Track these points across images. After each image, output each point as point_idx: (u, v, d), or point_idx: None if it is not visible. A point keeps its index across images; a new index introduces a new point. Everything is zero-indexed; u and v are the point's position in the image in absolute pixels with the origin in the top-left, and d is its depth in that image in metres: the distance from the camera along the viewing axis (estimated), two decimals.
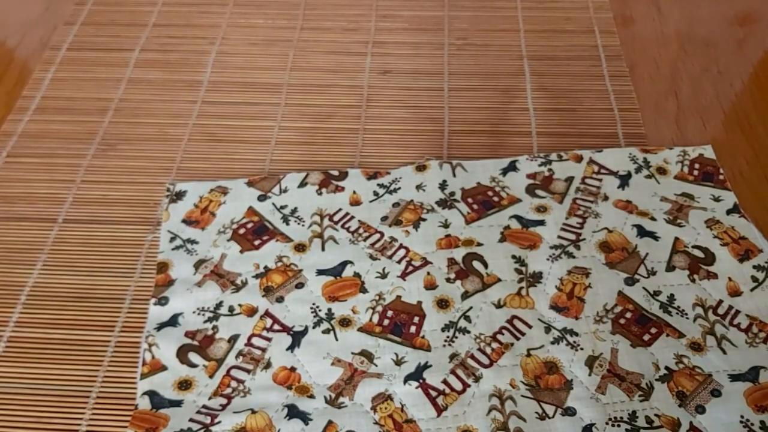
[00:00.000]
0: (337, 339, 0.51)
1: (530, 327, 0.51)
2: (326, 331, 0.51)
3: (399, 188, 0.60)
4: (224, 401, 0.48)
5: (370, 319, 0.52)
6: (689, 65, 0.72)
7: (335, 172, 0.62)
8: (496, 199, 0.59)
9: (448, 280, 0.54)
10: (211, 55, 0.73)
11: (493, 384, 0.48)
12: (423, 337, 0.51)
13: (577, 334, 0.51)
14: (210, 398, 0.48)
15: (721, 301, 0.53)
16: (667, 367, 0.49)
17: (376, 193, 0.60)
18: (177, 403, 0.48)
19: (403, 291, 0.54)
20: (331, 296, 0.53)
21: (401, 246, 0.56)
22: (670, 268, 0.55)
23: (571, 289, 0.53)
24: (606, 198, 0.59)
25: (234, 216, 0.59)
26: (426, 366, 0.49)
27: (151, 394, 0.48)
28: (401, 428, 0.46)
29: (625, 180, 0.61)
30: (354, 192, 0.60)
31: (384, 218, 0.58)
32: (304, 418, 0.47)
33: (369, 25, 0.77)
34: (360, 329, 0.52)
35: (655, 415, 0.47)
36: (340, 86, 0.70)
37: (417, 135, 0.66)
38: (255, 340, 0.51)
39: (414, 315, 0.52)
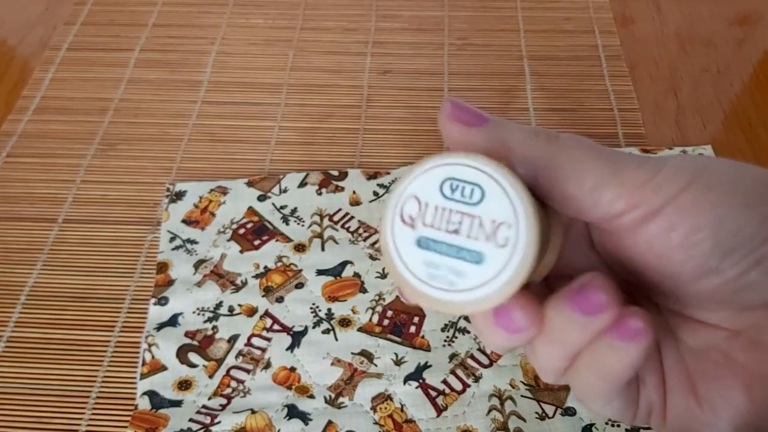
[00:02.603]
0: (336, 339, 0.51)
1: None
2: (326, 331, 0.51)
3: None
4: (224, 401, 0.48)
5: (370, 319, 0.52)
6: (689, 65, 0.72)
7: (335, 172, 0.62)
8: None
9: None
10: (211, 55, 0.73)
11: (493, 384, 0.48)
12: (423, 337, 0.51)
13: None
14: (210, 398, 0.48)
15: None
16: None
17: (376, 193, 0.60)
18: (177, 403, 0.48)
19: None
20: (331, 296, 0.53)
21: None
22: None
23: None
24: None
25: (234, 216, 0.59)
26: (426, 366, 0.49)
27: (151, 394, 0.48)
28: (401, 428, 0.46)
29: None
30: (354, 192, 0.60)
31: None
32: (304, 418, 0.47)
33: (369, 25, 0.77)
34: (360, 329, 0.52)
35: None
36: (340, 86, 0.70)
37: (417, 135, 0.66)
38: (255, 340, 0.51)
39: (414, 315, 0.52)
